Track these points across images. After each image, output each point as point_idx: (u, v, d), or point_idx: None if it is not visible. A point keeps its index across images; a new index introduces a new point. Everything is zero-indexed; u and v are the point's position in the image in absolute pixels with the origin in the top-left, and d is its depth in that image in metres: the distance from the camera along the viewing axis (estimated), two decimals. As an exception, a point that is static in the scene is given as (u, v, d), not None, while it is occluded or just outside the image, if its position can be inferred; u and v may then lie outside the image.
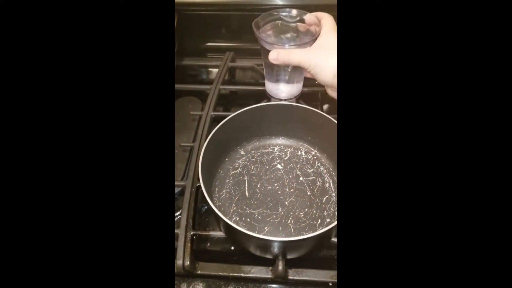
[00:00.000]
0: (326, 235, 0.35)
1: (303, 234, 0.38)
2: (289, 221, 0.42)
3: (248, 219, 0.42)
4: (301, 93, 0.57)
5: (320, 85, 0.56)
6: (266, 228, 0.42)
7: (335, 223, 0.33)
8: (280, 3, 0.69)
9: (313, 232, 0.34)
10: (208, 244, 0.45)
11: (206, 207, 0.47)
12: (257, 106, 0.46)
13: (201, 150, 0.42)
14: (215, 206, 0.36)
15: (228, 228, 0.36)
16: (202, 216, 0.47)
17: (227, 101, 0.67)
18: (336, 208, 0.43)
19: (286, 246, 0.35)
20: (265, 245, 0.36)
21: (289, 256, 0.38)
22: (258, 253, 0.38)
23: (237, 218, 0.42)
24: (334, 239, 0.40)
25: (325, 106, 0.62)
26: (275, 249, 0.36)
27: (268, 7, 0.69)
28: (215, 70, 0.72)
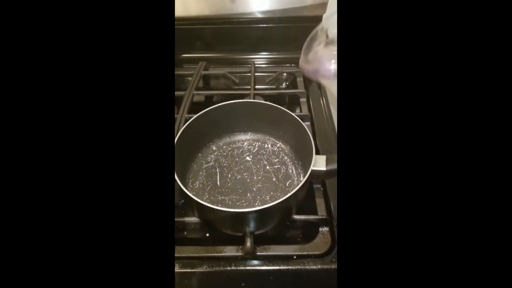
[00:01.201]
0: (286, 206, 0.40)
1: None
2: (256, 204, 0.47)
3: (219, 205, 0.47)
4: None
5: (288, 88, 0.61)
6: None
7: (292, 192, 0.38)
8: (251, 16, 0.75)
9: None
10: (186, 232, 0.49)
11: (182, 201, 0.51)
12: (223, 104, 0.51)
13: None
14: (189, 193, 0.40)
15: (200, 209, 0.40)
16: (180, 209, 0.51)
17: (202, 107, 0.71)
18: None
19: (251, 218, 0.39)
20: (233, 218, 0.40)
21: (256, 232, 0.42)
22: (228, 231, 0.43)
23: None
24: (295, 216, 0.44)
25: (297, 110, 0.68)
26: (242, 223, 0.40)
27: (236, 19, 0.76)
28: (191, 79, 0.77)
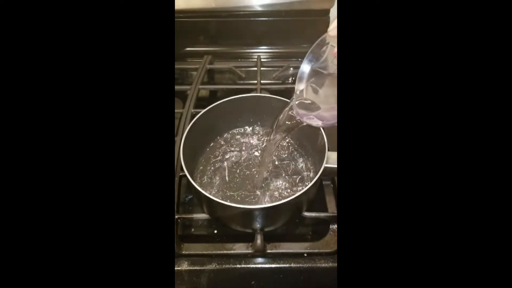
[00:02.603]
0: (296, 203, 0.39)
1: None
2: (265, 200, 0.46)
3: (228, 200, 0.46)
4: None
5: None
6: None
7: (304, 190, 0.37)
8: (256, 9, 0.74)
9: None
10: (193, 229, 0.48)
11: (189, 196, 0.51)
12: (232, 98, 0.50)
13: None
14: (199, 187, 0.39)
15: (209, 204, 0.39)
16: (186, 205, 0.50)
17: (207, 102, 0.70)
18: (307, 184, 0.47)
19: (262, 215, 0.39)
20: (244, 214, 0.39)
21: (266, 229, 0.41)
22: (238, 227, 0.42)
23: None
24: (305, 213, 0.44)
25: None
26: (253, 220, 0.39)
27: (241, 13, 0.74)
28: (195, 73, 0.76)
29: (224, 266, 0.41)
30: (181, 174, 0.46)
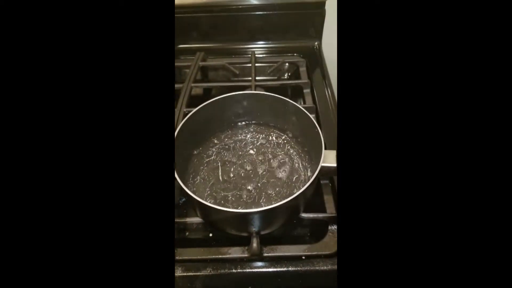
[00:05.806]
0: (293, 205, 0.37)
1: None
2: (261, 200, 0.44)
3: (222, 201, 0.44)
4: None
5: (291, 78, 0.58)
6: (239, 208, 0.43)
7: (300, 191, 0.35)
8: (250, 2, 0.72)
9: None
10: (187, 233, 0.46)
11: (183, 199, 0.49)
12: (225, 96, 0.48)
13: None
14: (190, 191, 0.37)
15: (203, 209, 0.38)
16: (180, 208, 0.48)
17: (201, 100, 0.68)
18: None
19: (257, 218, 0.37)
20: (238, 218, 0.37)
21: (262, 232, 0.40)
22: (233, 231, 0.40)
23: (212, 201, 0.44)
24: (303, 214, 0.42)
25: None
26: (248, 223, 0.37)
27: (234, 7, 0.72)
28: (188, 71, 0.73)
29: (219, 271, 0.40)
30: (173, 176, 0.44)
